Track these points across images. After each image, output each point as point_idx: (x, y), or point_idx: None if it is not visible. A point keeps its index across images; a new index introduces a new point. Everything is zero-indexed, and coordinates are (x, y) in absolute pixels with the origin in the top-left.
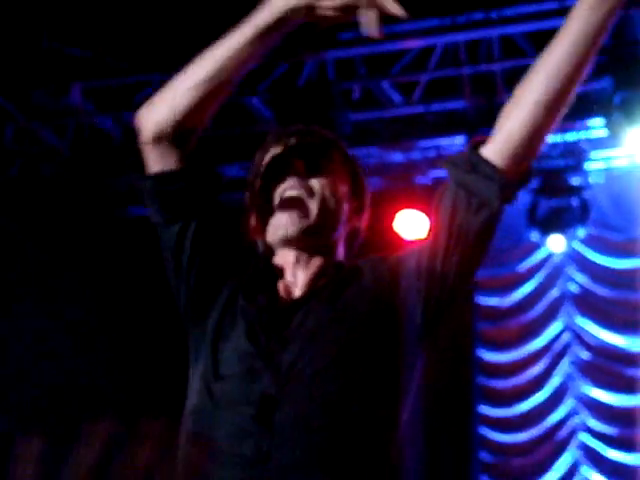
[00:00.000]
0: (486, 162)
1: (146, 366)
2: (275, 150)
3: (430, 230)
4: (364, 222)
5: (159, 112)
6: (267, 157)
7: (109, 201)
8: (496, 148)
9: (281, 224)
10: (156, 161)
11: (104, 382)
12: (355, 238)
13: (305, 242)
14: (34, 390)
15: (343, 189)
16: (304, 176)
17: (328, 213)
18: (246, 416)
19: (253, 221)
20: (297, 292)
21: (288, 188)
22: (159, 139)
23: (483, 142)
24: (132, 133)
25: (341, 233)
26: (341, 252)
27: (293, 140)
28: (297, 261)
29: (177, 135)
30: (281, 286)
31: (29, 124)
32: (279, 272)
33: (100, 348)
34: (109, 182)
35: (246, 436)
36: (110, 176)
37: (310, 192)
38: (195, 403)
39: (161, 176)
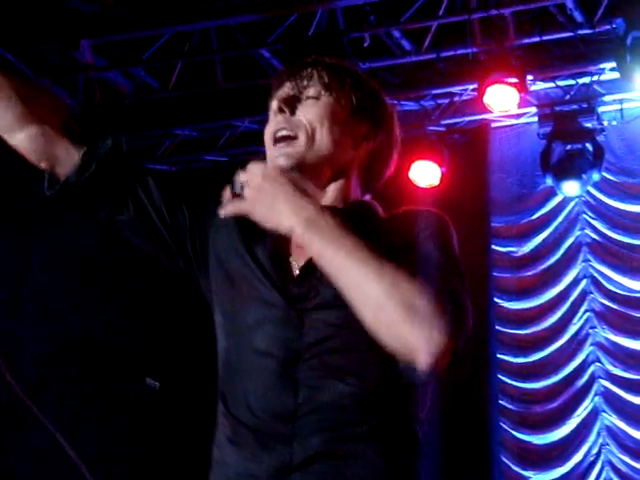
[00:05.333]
0: None
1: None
2: (275, 92)
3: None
4: (386, 148)
5: None
6: (272, 104)
7: None
8: None
9: (273, 159)
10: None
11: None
12: (373, 163)
13: (304, 172)
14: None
15: (345, 111)
16: (292, 110)
17: (321, 140)
18: (272, 371)
19: None
20: None
21: (277, 129)
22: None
23: None
24: (143, 88)
25: (349, 158)
26: (354, 177)
27: (287, 76)
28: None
29: None
30: None
31: (39, 80)
32: None
33: (118, 303)
34: (121, 138)
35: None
36: (122, 132)
37: (298, 124)
38: (223, 359)
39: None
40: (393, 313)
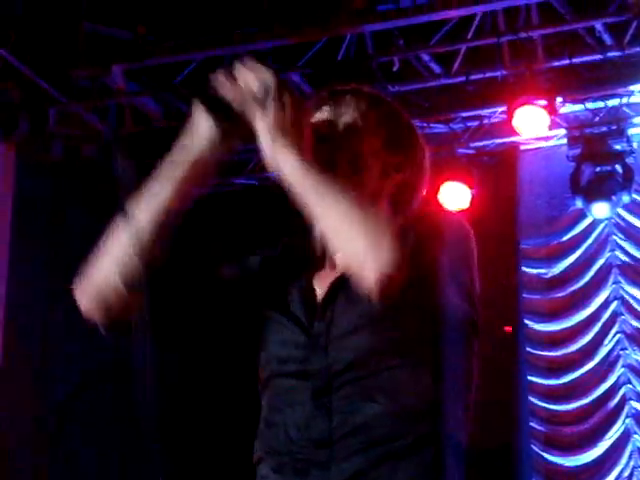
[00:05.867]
0: None
1: None
2: (313, 114)
3: None
4: (416, 178)
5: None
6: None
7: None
8: None
9: None
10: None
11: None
12: (404, 193)
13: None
14: None
15: (378, 142)
16: (324, 140)
17: (346, 161)
18: (307, 403)
19: None
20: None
21: None
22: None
23: None
24: (173, 113)
25: (379, 186)
26: (384, 205)
27: (326, 100)
28: None
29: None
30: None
31: (71, 106)
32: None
33: None
34: (151, 162)
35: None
36: (151, 156)
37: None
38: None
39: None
40: (353, 228)
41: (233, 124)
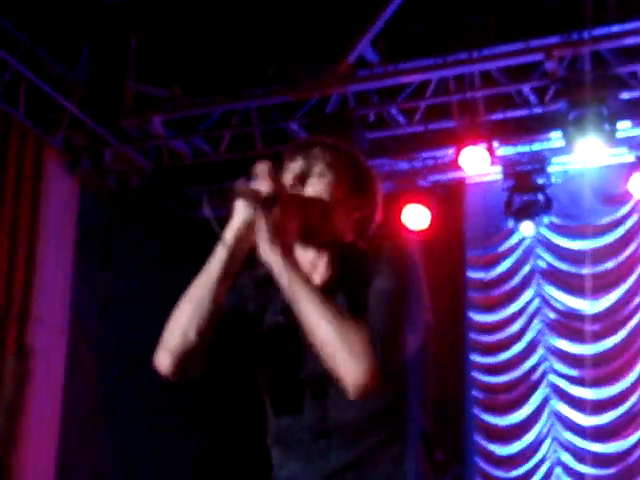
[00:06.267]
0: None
1: None
2: (287, 164)
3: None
4: (373, 212)
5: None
6: (287, 177)
7: (184, 205)
8: None
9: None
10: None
11: None
12: (364, 225)
13: (306, 239)
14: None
15: (342, 189)
16: (303, 184)
17: (316, 211)
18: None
19: None
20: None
21: None
22: (183, 370)
23: None
24: (200, 152)
25: (344, 224)
26: (348, 238)
27: (297, 153)
28: (312, 255)
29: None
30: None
31: (122, 148)
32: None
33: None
34: (184, 190)
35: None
36: (184, 186)
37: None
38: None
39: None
40: (333, 346)
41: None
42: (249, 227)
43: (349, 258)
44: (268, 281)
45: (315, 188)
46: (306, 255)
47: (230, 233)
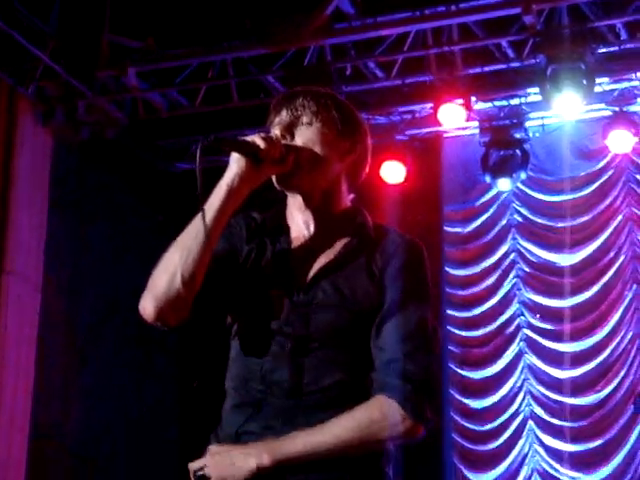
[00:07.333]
0: None
1: None
2: (274, 118)
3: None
4: (364, 154)
5: (163, 295)
6: (274, 129)
7: (158, 158)
8: None
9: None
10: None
11: None
12: (356, 169)
13: (292, 185)
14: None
15: (331, 134)
16: (292, 135)
17: (308, 159)
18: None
19: None
20: (309, 231)
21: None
22: (166, 315)
23: None
24: (175, 105)
25: (336, 169)
26: (343, 184)
27: (283, 105)
28: (302, 202)
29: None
30: (293, 227)
31: (96, 99)
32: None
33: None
34: (159, 143)
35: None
36: (159, 138)
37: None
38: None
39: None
40: (374, 443)
41: (255, 161)
42: (243, 179)
43: (353, 223)
44: (263, 226)
45: (304, 137)
46: (293, 198)
47: (224, 183)
